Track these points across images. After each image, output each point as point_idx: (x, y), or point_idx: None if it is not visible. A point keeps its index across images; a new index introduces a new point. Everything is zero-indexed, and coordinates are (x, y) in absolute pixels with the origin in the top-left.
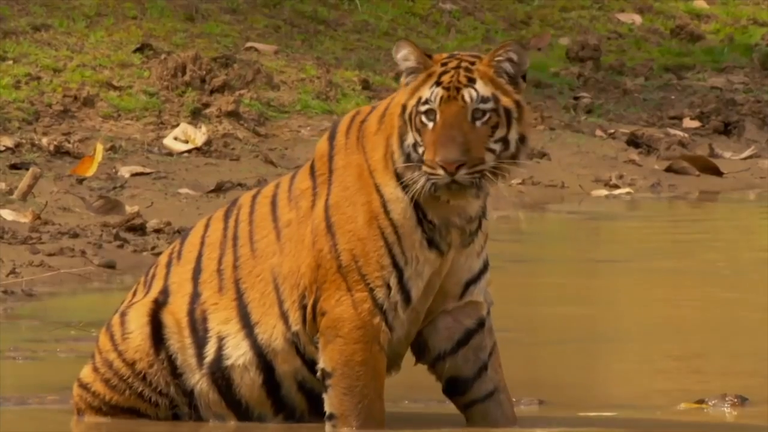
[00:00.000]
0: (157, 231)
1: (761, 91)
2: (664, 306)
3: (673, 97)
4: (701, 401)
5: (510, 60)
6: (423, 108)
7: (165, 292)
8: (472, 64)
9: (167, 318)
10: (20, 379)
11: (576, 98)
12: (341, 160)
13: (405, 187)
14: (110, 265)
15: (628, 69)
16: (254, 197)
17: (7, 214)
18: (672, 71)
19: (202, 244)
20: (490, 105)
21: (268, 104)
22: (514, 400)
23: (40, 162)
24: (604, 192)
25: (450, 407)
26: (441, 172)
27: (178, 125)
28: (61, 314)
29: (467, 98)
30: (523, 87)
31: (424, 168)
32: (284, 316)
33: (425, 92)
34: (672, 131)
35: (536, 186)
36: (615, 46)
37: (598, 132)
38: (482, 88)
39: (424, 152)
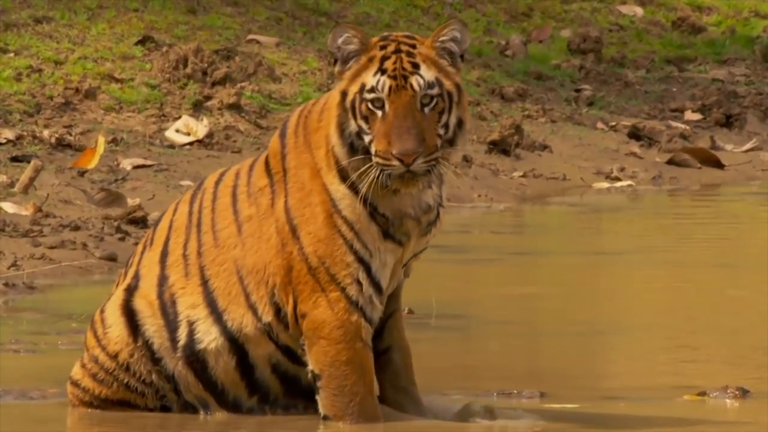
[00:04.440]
0: None
1: (763, 83)
2: (665, 298)
3: (674, 89)
4: (703, 393)
5: (454, 39)
6: (369, 96)
7: (136, 277)
8: (413, 47)
9: (139, 303)
10: (21, 372)
11: (577, 90)
12: (293, 159)
13: (352, 185)
14: (111, 258)
15: (629, 61)
16: (217, 183)
17: (9, 207)
18: (673, 63)
19: (170, 228)
20: (435, 90)
21: (270, 97)
22: (515, 391)
23: (42, 154)
24: (605, 184)
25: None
26: (396, 163)
27: (179, 118)
28: (63, 307)
29: (416, 86)
30: (461, 67)
31: (377, 159)
32: (252, 308)
33: (369, 79)
34: (673, 124)
35: (538, 178)
36: (616, 38)
37: (600, 124)
38: (426, 73)
39: (371, 141)
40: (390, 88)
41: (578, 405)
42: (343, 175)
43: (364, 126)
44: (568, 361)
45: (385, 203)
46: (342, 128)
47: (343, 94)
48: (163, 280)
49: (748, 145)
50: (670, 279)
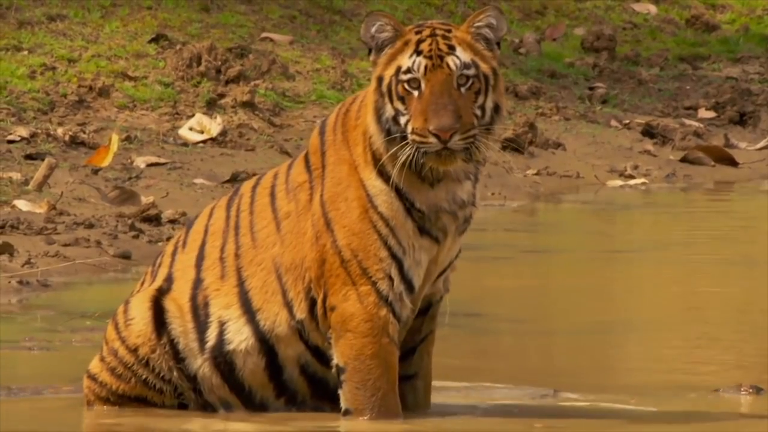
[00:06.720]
0: (173, 221)
1: None
2: (679, 296)
3: (688, 87)
4: (716, 391)
5: (489, 26)
6: (405, 77)
7: (169, 279)
8: (449, 31)
9: (169, 304)
10: (35, 370)
11: (591, 88)
12: (332, 155)
13: (389, 179)
14: (125, 256)
15: (643, 59)
16: (254, 187)
17: (23, 205)
18: (687, 61)
19: (206, 232)
20: (472, 71)
21: (284, 94)
22: (529, 390)
23: (56, 152)
24: (619, 182)
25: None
26: (433, 140)
27: (193, 115)
28: (77, 305)
29: (452, 65)
30: (497, 53)
31: (413, 137)
32: (288, 305)
33: (404, 61)
34: (687, 121)
35: (551, 176)
36: (630, 36)
37: (614, 122)
38: (462, 54)
39: (407, 122)
40: (426, 67)
41: (591, 402)
42: (381, 171)
43: (400, 107)
44: (581, 359)
45: (422, 198)
46: (379, 114)
47: (379, 80)
48: (197, 283)
49: (761, 143)
50: (683, 276)
